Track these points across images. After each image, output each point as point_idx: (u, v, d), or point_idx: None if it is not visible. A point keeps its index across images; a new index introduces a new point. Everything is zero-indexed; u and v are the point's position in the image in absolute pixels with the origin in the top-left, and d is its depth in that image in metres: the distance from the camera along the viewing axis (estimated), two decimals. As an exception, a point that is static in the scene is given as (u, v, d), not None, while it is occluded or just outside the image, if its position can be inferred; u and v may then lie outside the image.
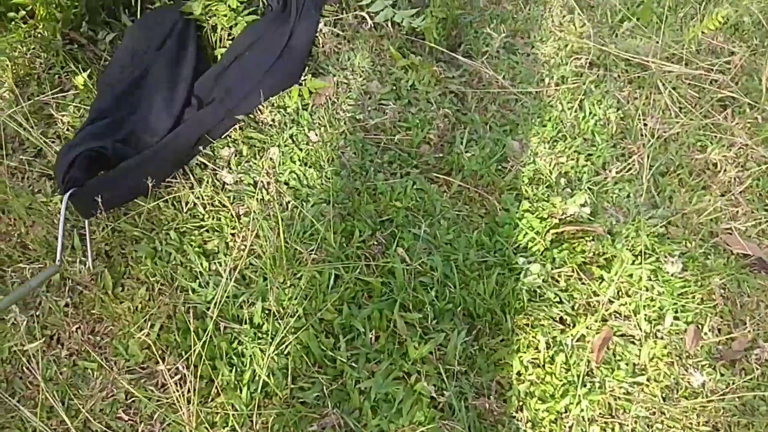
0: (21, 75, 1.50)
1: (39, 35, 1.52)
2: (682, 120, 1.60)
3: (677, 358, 1.31)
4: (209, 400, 1.15)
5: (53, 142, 1.39)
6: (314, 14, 1.73)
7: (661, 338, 1.32)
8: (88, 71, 1.46)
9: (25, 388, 1.15)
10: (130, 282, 1.24)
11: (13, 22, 1.56)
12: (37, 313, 1.20)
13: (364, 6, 1.75)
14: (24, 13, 1.58)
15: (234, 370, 1.17)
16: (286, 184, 1.41)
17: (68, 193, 1.21)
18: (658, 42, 1.72)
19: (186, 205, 1.34)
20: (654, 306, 1.35)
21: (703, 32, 1.71)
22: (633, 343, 1.31)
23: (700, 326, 1.35)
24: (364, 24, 1.74)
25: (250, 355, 1.18)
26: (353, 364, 1.20)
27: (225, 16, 1.49)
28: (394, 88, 1.60)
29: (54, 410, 1.12)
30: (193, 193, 1.35)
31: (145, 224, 1.30)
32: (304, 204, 1.38)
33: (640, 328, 1.32)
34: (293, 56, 1.58)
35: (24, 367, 1.16)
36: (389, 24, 1.74)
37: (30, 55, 1.51)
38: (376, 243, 1.34)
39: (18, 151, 1.37)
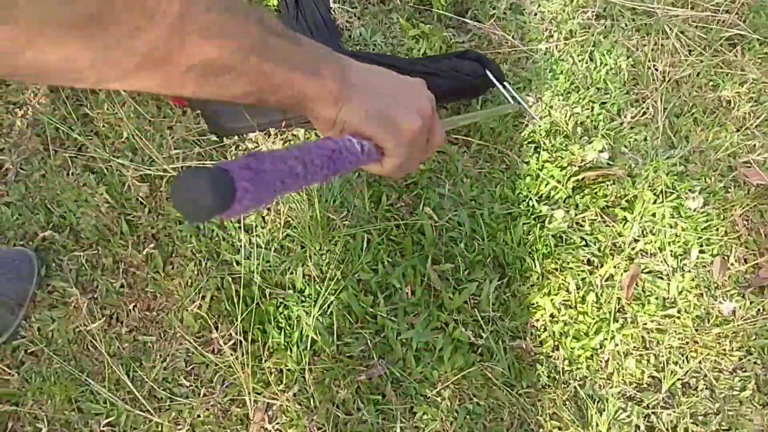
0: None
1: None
2: (691, 61, 1.63)
3: (706, 290, 1.35)
4: (262, 361, 1.22)
5: (90, 139, 1.48)
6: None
7: (689, 272, 1.36)
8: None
9: (92, 364, 1.24)
10: (178, 260, 1.32)
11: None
12: (96, 296, 1.28)
13: (371, -18, 1.80)
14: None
15: (282, 333, 1.25)
16: (313, 157, 1.48)
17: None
18: (662, -12, 1.74)
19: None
20: (679, 242, 1.39)
21: (707, -27, 1.73)
22: (661, 278, 1.36)
23: (726, 257, 1.39)
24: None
25: (296, 318, 1.26)
26: (393, 318, 1.26)
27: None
28: (407, 57, 1.65)
29: (121, 382, 1.21)
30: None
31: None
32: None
33: (667, 264, 1.37)
34: (332, 31, 1.66)
35: (89, 345, 1.25)
36: (396, -3, 1.78)
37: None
38: (403, 204, 1.40)
39: (60, 149, 1.46)
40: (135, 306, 1.28)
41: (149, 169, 1.40)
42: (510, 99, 1.44)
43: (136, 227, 1.36)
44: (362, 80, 0.57)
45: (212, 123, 1.48)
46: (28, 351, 1.24)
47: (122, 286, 1.29)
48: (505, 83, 1.47)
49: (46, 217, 1.35)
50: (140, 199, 1.38)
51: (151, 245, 1.32)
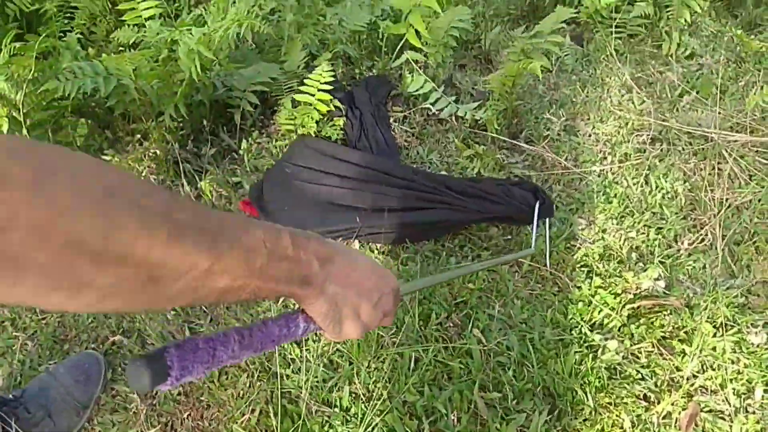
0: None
1: (153, 154, 1.77)
2: (752, 187, 1.61)
3: (773, 435, 1.26)
4: (305, 481, 1.23)
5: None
6: (385, 114, 1.92)
7: (753, 413, 1.29)
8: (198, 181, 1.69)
9: (144, 471, 1.28)
10: (233, 370, 1.37)
11: (130, 144, 1.84)
12: (155, 402, 1.34)
13: (430, 104, 1.92)
14: (140, 136, 1.86)
15: (326, 453, 1.25)
16: (367, 273, 1.53)
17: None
18: (720, 113, 1.75)
19: (280, 301, 1.48)
20: (741, 379, 1.33)
21: (765, 100, 1.74)
22: (722, 418, 1.28)
23: (795, 399, 1.30)
24: (429, 120, 1.90)
25: (341, 438, 1.27)
26: (438, 446, 1.25)
27: (311, 127, 1.68)
28: (461, 176, 1.72)
29: (168, 492, 1.24)
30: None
31: (244, 316, 1.44)
32: (384, 291, 1.48)
33: (729, 403, 1.30)
34: (392, 148, 1.77)
35: (143, 452, 1.29)
36: (453, 118, 1.88)
37: (145, 172, 1.75)
38: (452, 325, 1.42)
39: (136, 256, 1.58)
40: (189, 415, 1.33)
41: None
42: (533, 241, 1.48)
43: (197, 335, 1.43)
44: (337, 276, 0.61)
45: None
46: (87, 452, 1.30)
47: (179, 393, 1.35)
48: (544, 221, 1.51)
49: (117, 322, 1.45)
50: (204, 308, 1.47)
51: (209, 354, 1.38)
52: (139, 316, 1.45)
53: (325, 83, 1.69)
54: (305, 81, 1.71)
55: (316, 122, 1.68)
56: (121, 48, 2.09)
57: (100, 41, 2.33)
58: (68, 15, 2.20)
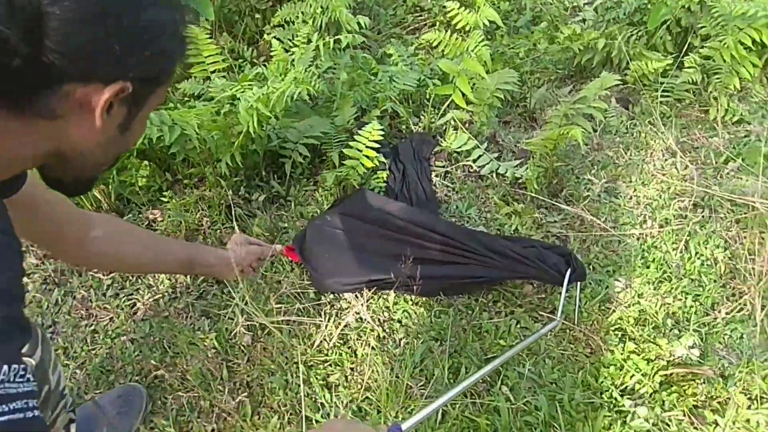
0: (191, 230, 1.86)
1: (207, 198, 1.89)
2: (798, 259, 1.58)
3: None
4: None
5: (211, 285, 1.69)
6: (427, 168, 1.99)
7: (791, 494, 1.24)
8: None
9: (175, 502, 1.33)
10: (265, 411, 1.43)
11: (188, 188, 1.97)
12: (189, 436, 1.41)
13: (472, 161, 1.98)
14: (197, 180, 1.99)
15: (349, 500, 1.28)
16: (399, 322, 1.57)
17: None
18: (765, 182, 1.74)
19: (310, 339, 1.54)
20: (779, 457, 1.28)
21: (814, 169, 1.71)
22: (758, 498, 1.24)
23: (838, 484, 1.25)
24: (470, 176, 1.96)
25: (365, 486, 1.29)
26: (460, 502, 1.25)
27: (356, 180, 1.77)
28: (499, 233, 1.76)
29: None
30: (318, 330, 1.55)
31: (280, 358, 1.50)
32: (415, 341, 1.52)
33: (765, 482, 1.25)
34: (432, 202, 1.84)
35: (176, 484, 1.35)
36: (494, 175, 1.94)
37: (199, 215, 1.87)
38: (481, 380, 1.43)
39: (185, 294, 1.68)
40: (221, 450, 1.38)
41: (254, 321, 1.56)
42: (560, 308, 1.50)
43: (234, 373, 1.50)
44: None
45: (317, 280, 1.65)
46: (125, 480, 1.36)
47: (213, 430, 1.41)
48: (574, 286, 1.54)
49: (161, 357, 1.54)
50: (243, 347, 1.54)
51: (244, 393, 1.44)
52: (182, 351, 1.53)
53: (374, 141, 1.78)
54: (355, 137, 1.81)
55: (360, 175, 1.77)
56: (185, 98, 2.26)
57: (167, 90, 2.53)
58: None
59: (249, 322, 1.57)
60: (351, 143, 1.79)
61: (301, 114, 2.08)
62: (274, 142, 1.93)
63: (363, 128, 1.79)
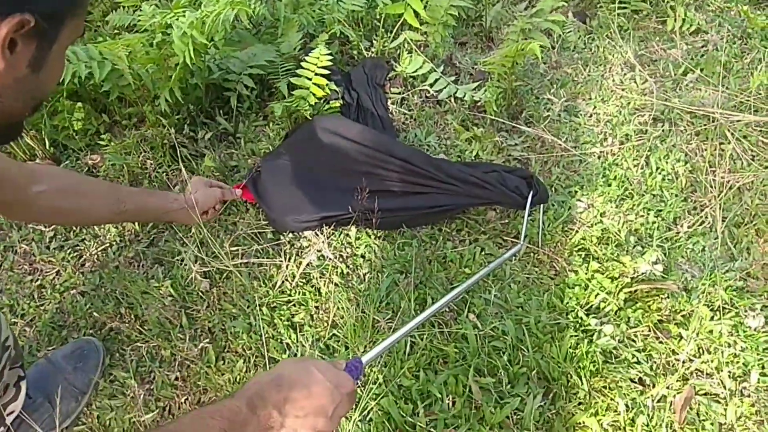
0: (134, 174, 1.74)
1: (148, 138, 1.77)
2: (754, 167, 1.58)
3: (767, 417, 1.26)
4: (301, 464, 1.24)
5: (162, 232, 1.60)
6: (382, 96, 1.89)
7: (748, 396, 1.29)
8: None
9: (143, 454, 1.30)
10: (229, 355, 1.38)
11: (127, 129, 1.83)
12: (152, 387, 1.36)
13: (428, 85, 1.89)
14: (136, 120, 1.85)
15: (322, 436, 1.27)
16: (363, 257, 1.53)
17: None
18: (724, 92, 1.72)
19: (271, 280, 1.49)
20: (738, 362, 1.32)
21: (771, 77, 1.70)
22: (717, 401, 1.28)
23: (792, 383, 1.30)
24: (428, 102, 1.88)
25: (336, 422, 1.28)
26: (432, 430, 1.26)
27: (306, 111, 1.67)
28: (459, 159, 1.70)
29: (168, 475, 1.26)
30: (280, 270, 1.50)
31: (241, 301, 1.45)
32: (380, 275, 1.48)
33: (725, 386, 1.29)
34: (389, 130, 1.76)
35: (142, 435, 1.31)
36: (452, 99, 1.86)
37: (142, 157, 1.75)
38: (447, 309, 1.42)
39: (134, 242, 1.58)
40: (186, 399, 1.34)
41: (211, 266, 1.49)
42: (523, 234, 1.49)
43: (194, 321, 1.44)
44: (293, 410, 0.80)
45: (274, 220, 1.57)
46: (88, 436, 1.32)
47: (177, 378, 1.36)
48: (538, 208, 1.52)
49: (115, 308, 1.46)
50: (201, 293, 1.47)
51: (207, 340, 1.40)
52: (136, 301, 1.46)
53: (323, 67, 1.66)
54: (302, 64, 1.69)
55: (311, 106, 1.66)
56: (116, 31, 2.07)
57: (96, 23, 2.32)
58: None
59: (205, 268, 1.50)
60: (299, 71, 1.67)
61: (243, 42, 1.93)
62: (216, 74, 1.79)
63: (310, 54, 1.67)
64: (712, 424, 1.26)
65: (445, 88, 1.87)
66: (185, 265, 1.51)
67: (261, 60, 1.78)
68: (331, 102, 1.73)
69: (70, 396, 1.30)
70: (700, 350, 1.34)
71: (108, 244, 1.59)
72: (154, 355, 1.40)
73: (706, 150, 1.64)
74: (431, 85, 1.89)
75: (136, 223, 1.61)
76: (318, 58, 1.66)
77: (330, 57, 1.65)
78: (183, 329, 1.43)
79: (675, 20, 2.10)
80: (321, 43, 1.77)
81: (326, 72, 1.65)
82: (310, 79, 1.66)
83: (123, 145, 1.77)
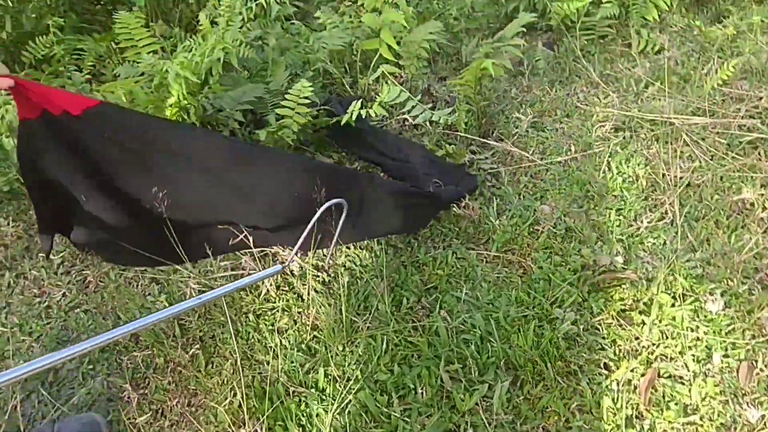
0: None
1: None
2: (712, 166, 1.66)
3: (732, 396, 1.30)
4: (282, 456, 1.32)
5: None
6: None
7: (712, 377, 1.33)
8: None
9: (138, 454, 1.38)
10: (218, 359, 1.48)
11: None
12: (146, 391, 1.46)
13: (406, 111, 2.04)
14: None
15: (302, 430, 1.34)
16: (344, 266, 1.64)
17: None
18: (682, 100, 1.82)
19: (256, 290, 1.60)
20: (701, 345, 1.37)
21: (726, 83, 1.80)
22: (682, 383, 1.33)
23: (753, 362, 1.34)
24: (405, 126, 2.02)
25: (316, 415, 1.35)
26: (406, 419, 1.32)
27: (290, 137, 1.82)
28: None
29: (160, 472, 1.34)
30: (264, 281, 1.61)
31: (230, 311, 1.56)
32: (359, 281, 1.58)
33: (688, 368, 1.34)
34: None
35: (137, 437, 1.40)
36: (428, 123, 2.00)
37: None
38: (421, 308, 1.51)
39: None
40: (178, 402, 1.43)
41: (203, 280, 1.61)
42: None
43: (187, 330, 1.55)
44: None
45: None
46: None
47: (169, 383, 1.46)
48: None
49: (115, 323, 1.58)
50: (195, 309, 1.59)
51: (197, 347, 1.50)
52: (134, 316, 1.58)
53: (304, 97, 1.82)
54: (286, 96, 1.86)
55: (295, 132, 1.81)
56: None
57: (109, 81, 2.54)
58: (76, 57, 2.41)
59: (197, 287, 1.62)
60: (283, 102, 1.83)
61: (236, 85, 2.11)
62: (210, 112, 1.96)
63: (293, 87, 1.83)
64: (677, 404, 1.30)
65: (421, 114, 2.01)
66: (180, 281, 1.63)
67: (251, 96, 1.96)
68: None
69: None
70: (663, 336, 1.40)
71: (110, 267, 1.72)
72: (149, 363, 1.50)
73: (665, 153, 1.73)
74: (408, 112, 2.03)
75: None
76: (300, 90, 1.82)
77: (311, 88, 1.81)
78: (176, 338, 1.53)
79: (639, 43, 2.24)
80: (305, 78, 1.94)
81: (307, 101, 1.81)
82: (293, 109, 1.82)
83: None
